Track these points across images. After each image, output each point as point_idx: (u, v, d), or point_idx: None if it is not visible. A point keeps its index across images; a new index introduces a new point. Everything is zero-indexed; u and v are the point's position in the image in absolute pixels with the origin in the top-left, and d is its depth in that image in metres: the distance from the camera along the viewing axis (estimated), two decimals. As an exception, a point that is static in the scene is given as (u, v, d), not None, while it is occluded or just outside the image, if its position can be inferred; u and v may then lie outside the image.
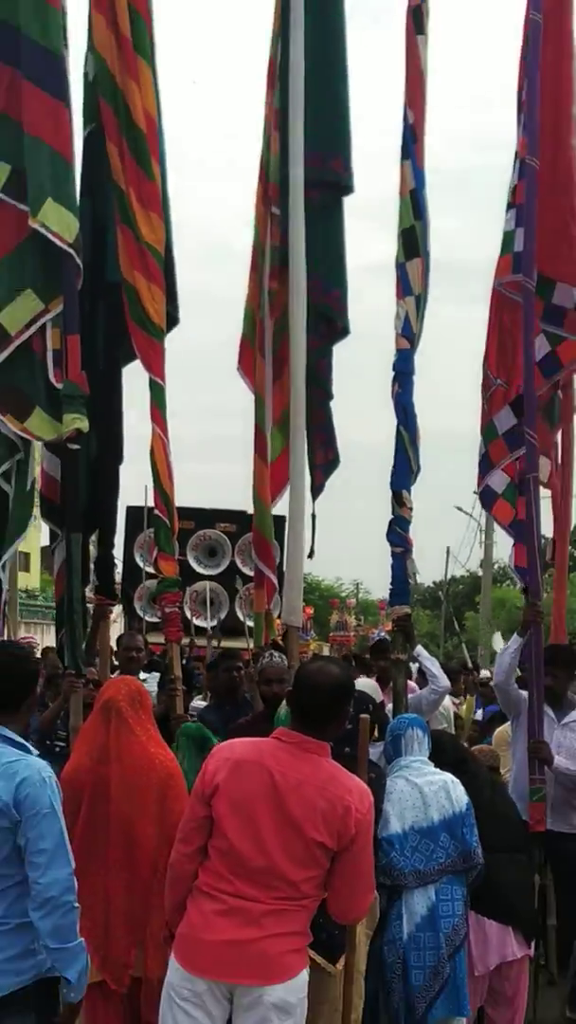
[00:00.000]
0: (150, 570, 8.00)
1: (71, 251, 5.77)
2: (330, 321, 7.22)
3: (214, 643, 8.13)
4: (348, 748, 4.75)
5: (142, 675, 6.94)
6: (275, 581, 7.12)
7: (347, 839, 3.84)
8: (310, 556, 6.79)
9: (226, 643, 8.11)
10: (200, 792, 3.88)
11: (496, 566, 34.22)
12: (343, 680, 4.00)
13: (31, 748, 3.91)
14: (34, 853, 3.64)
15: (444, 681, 7.30)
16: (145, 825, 4.52)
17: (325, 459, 7.31)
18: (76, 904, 3.75)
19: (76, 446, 5.80)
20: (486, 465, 7.28)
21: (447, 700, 8.50)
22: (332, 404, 7.36)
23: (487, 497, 7.50)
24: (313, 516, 7.02)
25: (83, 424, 5.78)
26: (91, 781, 4.73)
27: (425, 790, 5.01)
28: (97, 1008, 4.70)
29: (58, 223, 5.71)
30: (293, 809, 3.81)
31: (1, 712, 3.82)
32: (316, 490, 7.28)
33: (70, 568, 5.91)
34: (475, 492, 23.21)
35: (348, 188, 7.09)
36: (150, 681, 7.26)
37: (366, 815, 3.90)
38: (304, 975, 3.94)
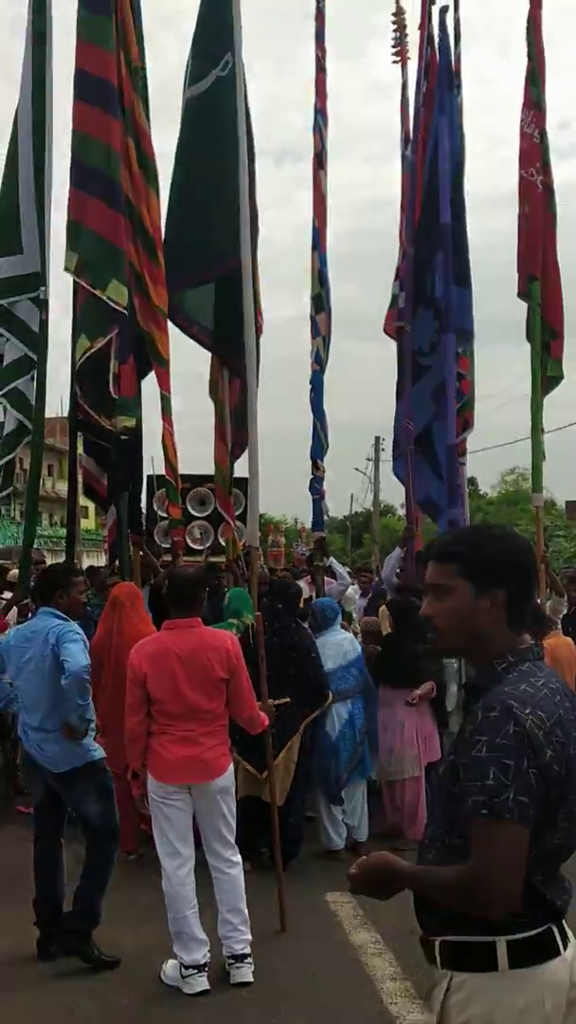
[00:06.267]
0: (164, 514, 9.94)
1: (124, 312, 7.92)
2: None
3: (204, 559, 10.38)
4: (277, 623, 7.30)
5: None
6: (231, 520, 9.66)
7: (233, 667, 5.42)
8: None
9: (213, 558, 10.43)
10: (134, 680, 5.38)
11: (381, 505, 54.41)
12: (198, 574, 5.74)
13: (69, 619, 5.76)
14: (64, 654, 5.48)
15: (347, 579, 10.67)
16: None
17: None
18: (88, 682, 5.59)
19: (125, 437, 8.01)
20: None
21: (350, 590, 11.58)
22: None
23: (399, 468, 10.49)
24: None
25: (131, 423, 7.93)
26: (107, 645, 7.12)
27: (341, 640, 7.83)
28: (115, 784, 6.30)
29: (117, 295, 7.85)
30: (195, 666, 5.32)
31: (45, 601, 5.82)
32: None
33: (120, 515, 8.19)
34: (368, 459, 39.71)
35: None
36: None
37: (237, 650, 5.48)
38: (231, 768, 5.54)
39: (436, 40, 9.82)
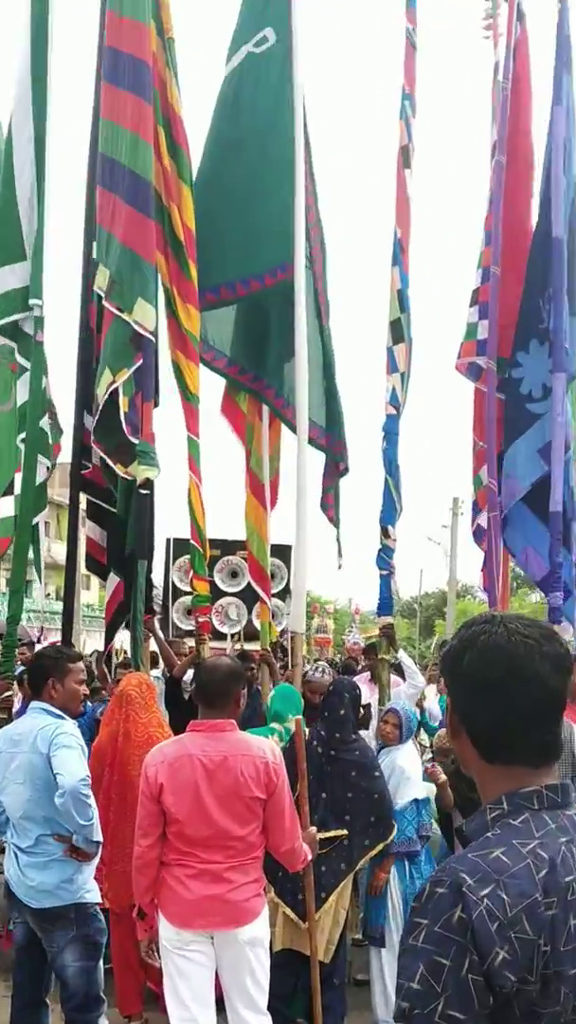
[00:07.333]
0: (185, 588, 8.95)
1: (152, 338, 6.85)
2: (335, 462, 8.61)
3: (236, 646, 9.30)
4: (339, 733, 6.12)
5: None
6: (267, 598, 8.35)
7: (273, 786, 4.70)
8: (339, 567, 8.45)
9: (248, 646, 9.27)
10: (148, 793, 4.67)
11: (459, 584, 41.96)
12: (234, 668, 4.88)
13: (65, 717, 5.14)
14: (57, 765, 4.86)
15: (420, 679, 8.63)
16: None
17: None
18: (89, 797, 4.89)
19: (146, 491, 6.75)
20: (476, 509, 8.78)
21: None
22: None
23: (479, 534, 8.69)
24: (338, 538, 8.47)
25: (153, 473, 6.70)
26: (111, 752, 6.20)
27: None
28: (112, 928, 5.84)
29: (143, 317, 6.78)
30: (225, 780, 4.62)
31: (36, 694, 5.20)
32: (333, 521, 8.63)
33: (135, 587, 6.92)
34: (443, 526, 30.55)
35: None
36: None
37: (279, 764, 4.76)
38: (265, 913, 4.83)
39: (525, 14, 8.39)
